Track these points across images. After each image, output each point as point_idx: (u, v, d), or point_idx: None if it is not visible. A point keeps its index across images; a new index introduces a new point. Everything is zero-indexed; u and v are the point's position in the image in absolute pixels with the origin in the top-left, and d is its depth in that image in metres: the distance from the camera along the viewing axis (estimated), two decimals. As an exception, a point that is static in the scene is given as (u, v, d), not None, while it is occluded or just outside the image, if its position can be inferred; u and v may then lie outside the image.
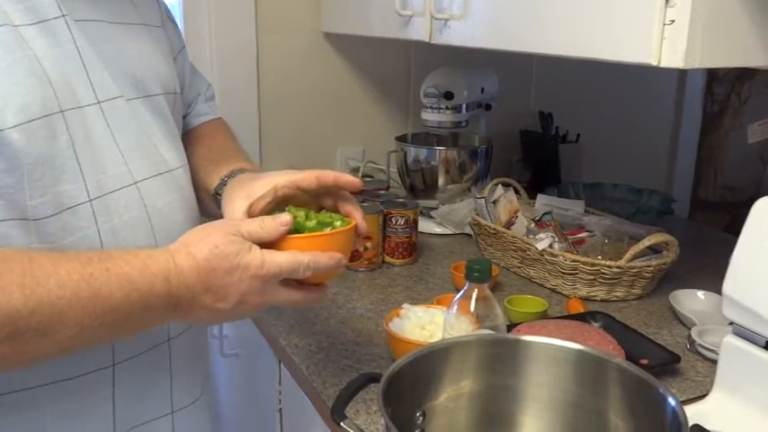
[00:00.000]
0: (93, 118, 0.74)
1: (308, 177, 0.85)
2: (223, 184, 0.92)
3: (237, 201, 0.85)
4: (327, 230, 0.81)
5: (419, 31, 1.43)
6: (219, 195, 0.91)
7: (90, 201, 0.73)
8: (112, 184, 0.75)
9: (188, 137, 1.03)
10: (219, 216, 0.88)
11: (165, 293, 0.69)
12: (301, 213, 0.81)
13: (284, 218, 0.77)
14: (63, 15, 0.73)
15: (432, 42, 1.40)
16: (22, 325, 0.61)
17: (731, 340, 0.97)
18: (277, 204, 0.83)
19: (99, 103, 0.75)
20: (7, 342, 0.61)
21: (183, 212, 0.86)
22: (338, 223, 0.83)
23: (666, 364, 1.09)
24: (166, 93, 0.89)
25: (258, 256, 0.73)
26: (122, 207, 0.76)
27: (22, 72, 0.67)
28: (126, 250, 0.71)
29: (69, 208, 0.71)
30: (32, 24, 0.70)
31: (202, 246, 0.72)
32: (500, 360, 0.84)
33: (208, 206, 0.95)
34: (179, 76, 0.99)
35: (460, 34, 1.31)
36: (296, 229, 0.79)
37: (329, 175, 0.85)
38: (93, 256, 0.67)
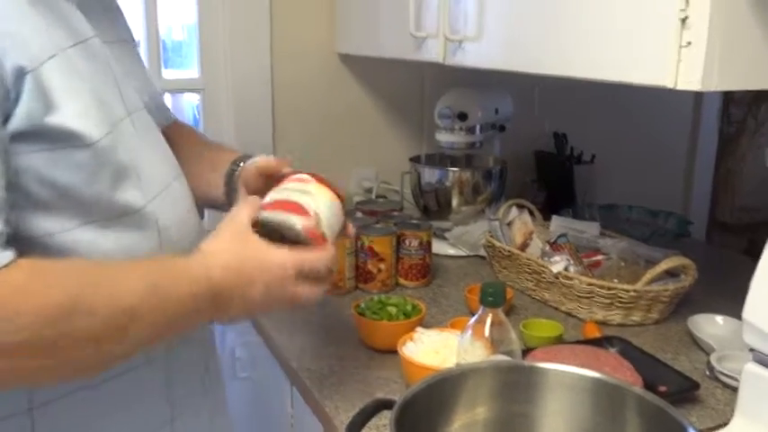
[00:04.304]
0: (130, 129, 0.80)
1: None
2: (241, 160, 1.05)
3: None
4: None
5: (433, 53, 1.43)
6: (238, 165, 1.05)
7: (149, 202, 0.80)
8: (157, 187, 0.82)
9: None
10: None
11: (207, 289, 0.78)
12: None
13: None
14: (96, 35, 0.79)
15: (446, 64, 1.40)
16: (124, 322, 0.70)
17: (752, 367, 0.95)
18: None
19: (129, 114, 0.81)
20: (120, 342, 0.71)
21: (195, 209, 0.94)
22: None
23: (685, 391, 1.07)
24: (156, 107, 0.96)
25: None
26: (168, 206, 0.83)
27: (84, 92, 0.73)
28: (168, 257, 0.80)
29: (136, 211, 0.78)
30: (75, 45, 0.74)
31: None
32: (516, 387, 0.82)
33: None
34: None
35: (475, 55, 1.31)
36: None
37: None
38: (142, 263, 0.76)
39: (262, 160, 1.03)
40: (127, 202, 0.77)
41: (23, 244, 0.71)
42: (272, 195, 0.90)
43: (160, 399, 0.85)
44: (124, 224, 0.77)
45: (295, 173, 0.97)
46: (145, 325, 0.73)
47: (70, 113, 0.70)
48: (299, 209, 0.87)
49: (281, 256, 0.84)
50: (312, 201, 0.89)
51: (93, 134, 0.72)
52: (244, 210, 0.87)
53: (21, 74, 0.67)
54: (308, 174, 0.95)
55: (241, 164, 1.04)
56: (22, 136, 0.68)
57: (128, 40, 0.93)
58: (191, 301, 0.77)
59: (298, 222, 0.86)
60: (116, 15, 0.93)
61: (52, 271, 0.69)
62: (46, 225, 0.72)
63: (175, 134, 1.07)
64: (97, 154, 0.73)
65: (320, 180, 0.94)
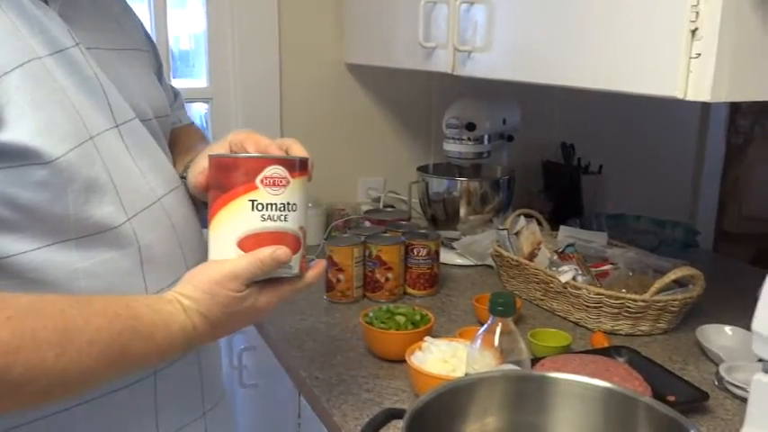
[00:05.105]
0: (115, 140, 0.77)
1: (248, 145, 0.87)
2: (187, 168, 0.92)
3: (201, 161, 0.88)
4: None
5: (442, 63, 1.44)
6: (184, 178, 0.91)
7: (129, 220, 0.76)
8: (141, 202, 0.78)
9: None
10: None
11: (182, 346, 0.75)
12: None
13: None
14: (77, 44, 0.75)
15: (455, 74, 1.41)
16: (53, 380, 0.63)
17: (761, 378, 0.94)
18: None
19: (117, 126, 0.78)
20: (38, 395, 0.64)
21: (196, 222, 0.90)
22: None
23: (694, 401, 1.07)
24: (157, 116, 0.90)
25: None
26: (154, 223, 0.79)
27: (54, 104, 0.70)
28: (147, 304, 0.73)
29: (111, 229, 0.74)
30: (53, 54, 0.72)
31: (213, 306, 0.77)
32: (526, 397, 0.82)
33: None
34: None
35: (483, 66, 1.32)
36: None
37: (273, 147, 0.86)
38: (120, 313, 0.69)
39: (193, 175, 0.89)
40: (102, 219, 0.73)
41: None
42: (249, 226, 0.78)
43: (148, 423, 0.81)
44: (100, 242, 0.73)
45: (258, 167, 0.78)
46: (101, 381, 0.70)
47: (27, 130, 0.66)
48: (290, 245, 0.79)
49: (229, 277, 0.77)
50: (296, 215, 0.80)
51: (55, 151, 0.68)
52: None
53: None
54: (276, 162, 0.79)
55: (185, 176, 0.91)
56: None
57: (131, 48, 0.89)
58: (160, 356, 0.75)
59: (295, 267, 0.81)
60: (120, 22, 0.89)
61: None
62: (12, 246, 0.69)
63: (180, 132, 1.05)
64: (60, 171, 0.69)
65: (292, 169, 0.80)
